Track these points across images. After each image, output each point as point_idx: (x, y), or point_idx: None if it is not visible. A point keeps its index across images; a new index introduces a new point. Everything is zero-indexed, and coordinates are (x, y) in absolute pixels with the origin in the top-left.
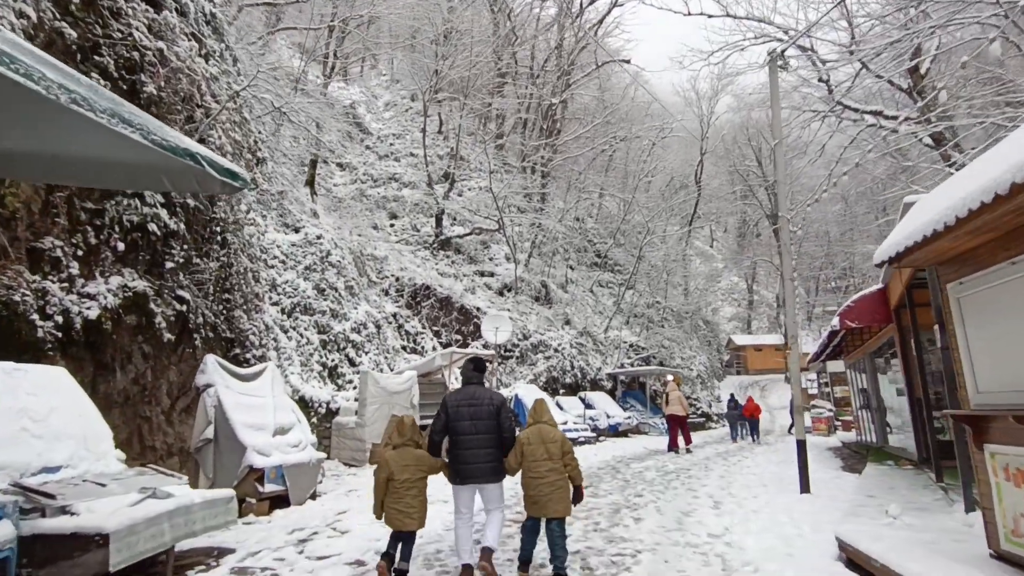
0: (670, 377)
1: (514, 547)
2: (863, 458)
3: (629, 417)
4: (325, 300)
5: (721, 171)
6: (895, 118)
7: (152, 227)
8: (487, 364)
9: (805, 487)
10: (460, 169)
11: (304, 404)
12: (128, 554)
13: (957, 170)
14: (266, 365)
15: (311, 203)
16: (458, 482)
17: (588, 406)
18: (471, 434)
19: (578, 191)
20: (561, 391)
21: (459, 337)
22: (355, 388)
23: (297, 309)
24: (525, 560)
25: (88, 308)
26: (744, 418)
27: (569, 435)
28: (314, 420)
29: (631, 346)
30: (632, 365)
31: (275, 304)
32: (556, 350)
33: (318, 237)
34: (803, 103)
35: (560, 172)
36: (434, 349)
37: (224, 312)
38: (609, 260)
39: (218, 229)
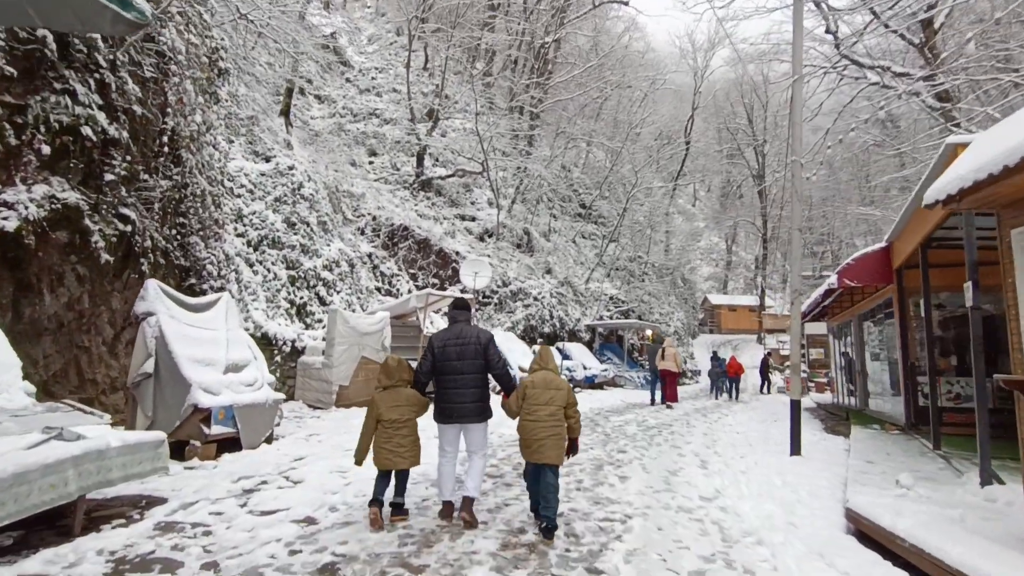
0: (649, 332)
1: (495, 500)
2: (843, 420)
3: (606, 369)
4: (295, 234)
5: (711, 128)
6: (904, 75)
7: (87, 131)
8: (470, 304)
9: (796, 448)
10: (445, 108)
11: (268, 341)
12: (15, 507)
13: (961, 131)
14: (220, 295)
15: (285, 134)
16: (443, 420)
17: (565, 356)
18: (458, 373)
19: (567, 138)
20: (539, 340)
21: (436, 281)
22: (324, 327)
23: (265, 242)
24: (537, 503)
25: (5, 218)
26: (726, 376)
27: None
28: (278, 359)
29: (611, 299)
30: (611, 318)
31: (241, 236)
32: (536, 299)
33: (290, 168)
34: (805, 57)
35: (549, 116)
36: (409, 292)
37: (178, 237)
38: (593, 212)
39: (170, 143)
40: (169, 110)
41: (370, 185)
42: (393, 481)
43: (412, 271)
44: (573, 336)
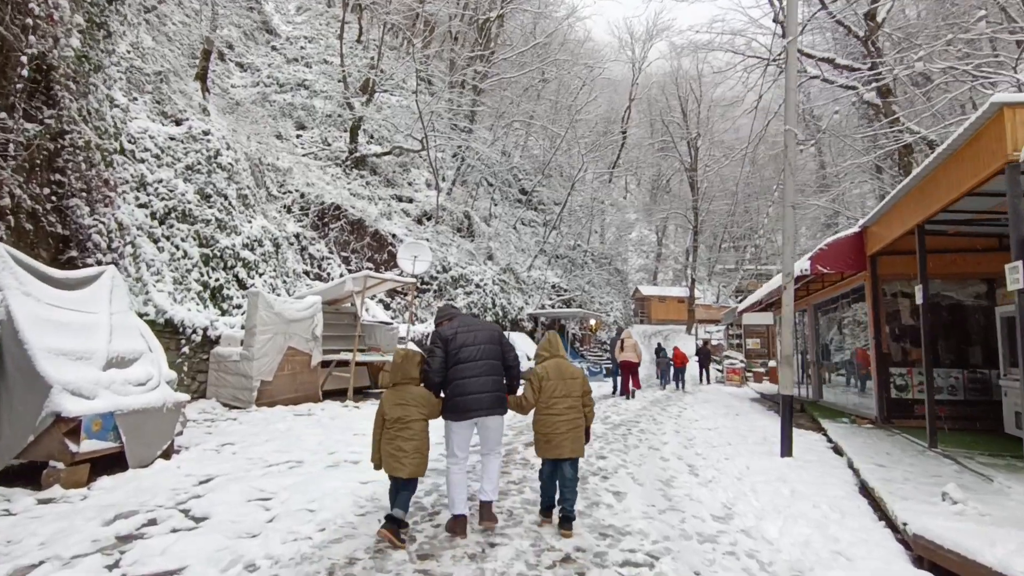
0: (592, 321)
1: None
2: (798, 412)
3: None
4: (211, 208)
5: (645, 121)
6: (847, 67)
7: None
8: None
9: (787, 449)
10: (381, 82)
11: (173, 330)
12: None
13: (898, 129)
14: (102, 270)
15: (201, 99)
16: (457, 417)
17: None
18: (474, 360)
19: (509, 119)
20: (540, 325)
21: (371, 265)
22: (244, 314)
23: (173, 215)
24: (548, 506)
25: None
26: (672, 366)
27: None
28: (186, 350)
29: (553, 287)
30: (554, 307)
31: (143, 206)
32: (478, 285)
33: (205, 133)
34: (747, 48)
35: (490, 99)
36: (341, 276)
37: (52, 199)
38: (534, 198)
39: (39, 75)
40: (35, 29)
41: (298, 160)
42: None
43: (344, 254)
44: (516, 325)
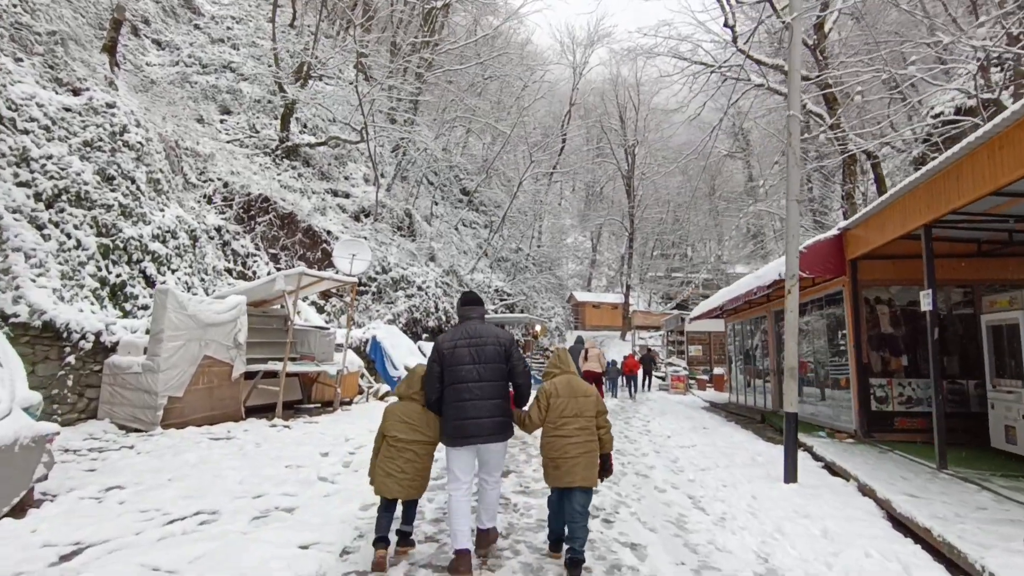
0: (538, 327)
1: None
2: (758, 423)
3: None
4: (114, 192)
5: (583, 127)
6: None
7: None
8: (481, 298)
9: (792, 475)
10: (316, 69)
11: (53, 334)
12: None
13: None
14: None
15: (108, 72)
16: (455, 443)
17: None
18: (474, 381)
19: (454, 111)
20: (424, 335)
21: (303, 264)
22: (151, 316)
23: (64, 197)
24: (556, 539)
25: None
26: (622, 375)
27: None
28: (71, 360)
29: (497, 291)
30: (497, 312)
31: (24, 185)
32: (420, 288)
33: (109, 106)
34: (693, 55)
35: (433, 93)
36: (269, 275)
37: None
38: (475, 199)
39: None
40: None
41: (221, 146)
42: (400, 507)
43: (273, 251)
44: None
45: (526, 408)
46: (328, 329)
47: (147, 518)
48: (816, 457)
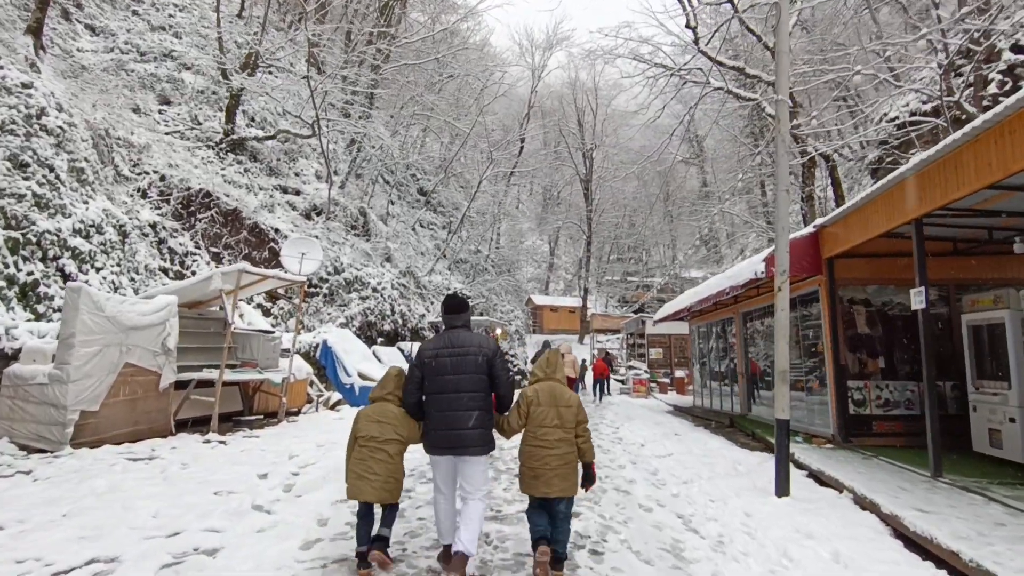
0: (499, 330)
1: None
2: (726, 427)
3: None
4: (27, 180)
5: (542, 131)
6: (756, 78)
7: None
8: (467, 301)
9: (784, 488)
10: (265, 60)
11: None
12: None
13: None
14: None
15: (31, 55)
16: (435, 452)
17: (410, 360)
18: (453, 392)
19: (410, 112)
20: (379, 339)
21: (248, 263)
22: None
23: None
24: (541, 537)
25: None
26: (591, 378)
27: None
28: None
29: (456, 293)
30: None
31: None
32: (375, 290)
33: (25, 86)
34: (655, 57)
35: (389, 90)
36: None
37: None
38: (433, 199)
39: None
40: None
41: (159, 138)
42: (378, 510)
43: (215, 249)
44: (416, 335)
45: (506, 413)
46: (274, 333)
47: (20, 573)
48: (798, 464)
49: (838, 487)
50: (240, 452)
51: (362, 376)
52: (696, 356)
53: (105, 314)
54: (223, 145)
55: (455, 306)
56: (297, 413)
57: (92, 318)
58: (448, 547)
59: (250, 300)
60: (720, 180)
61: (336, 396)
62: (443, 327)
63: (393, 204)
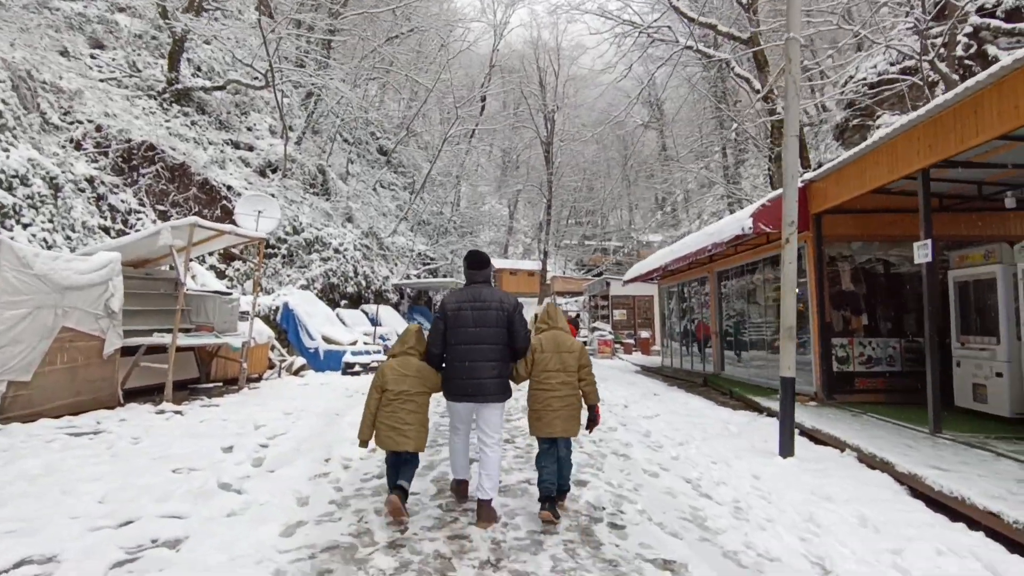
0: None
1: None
2: (700, 386)
3: None
4: None
5: (502, 92)
6: (729, 35)
7: None
8: (488, 257)
9: (789, 448)
10: (211, 1)
11: None
12: None
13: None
14: None
15: None
16: (455, 398)
17: (375, 323)
18: (474, 343)
19: (371, 64)
20: (342, 302)
21: None
22: None
23: None
24: (547, 496)
25: None
26: None
27: (362, 360)
28: None
29: (419, 255)
30: (419, 276)
31: None
32: (337, 251)
33: None
34: (623, 13)
35: (348, 40)
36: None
37: None
38: (393, 159)
39: None
40: None
41: (93, 84)
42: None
43: (162, 207)
44: (380, 297)
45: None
46: (231, 295)
47: None
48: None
49: (838, 445)
50: (199, 423)
51: (327, 340)
52: (666, 316)
53: (34, 272)
54: (167, 95)
55: (478, 261)
56: (258, 379)
57: (17, 276)
58: (461, 481)
59: (202, 260)
60: (679, 144)
61: (300, 361)
62: (466, 281)
63: (352, 163)
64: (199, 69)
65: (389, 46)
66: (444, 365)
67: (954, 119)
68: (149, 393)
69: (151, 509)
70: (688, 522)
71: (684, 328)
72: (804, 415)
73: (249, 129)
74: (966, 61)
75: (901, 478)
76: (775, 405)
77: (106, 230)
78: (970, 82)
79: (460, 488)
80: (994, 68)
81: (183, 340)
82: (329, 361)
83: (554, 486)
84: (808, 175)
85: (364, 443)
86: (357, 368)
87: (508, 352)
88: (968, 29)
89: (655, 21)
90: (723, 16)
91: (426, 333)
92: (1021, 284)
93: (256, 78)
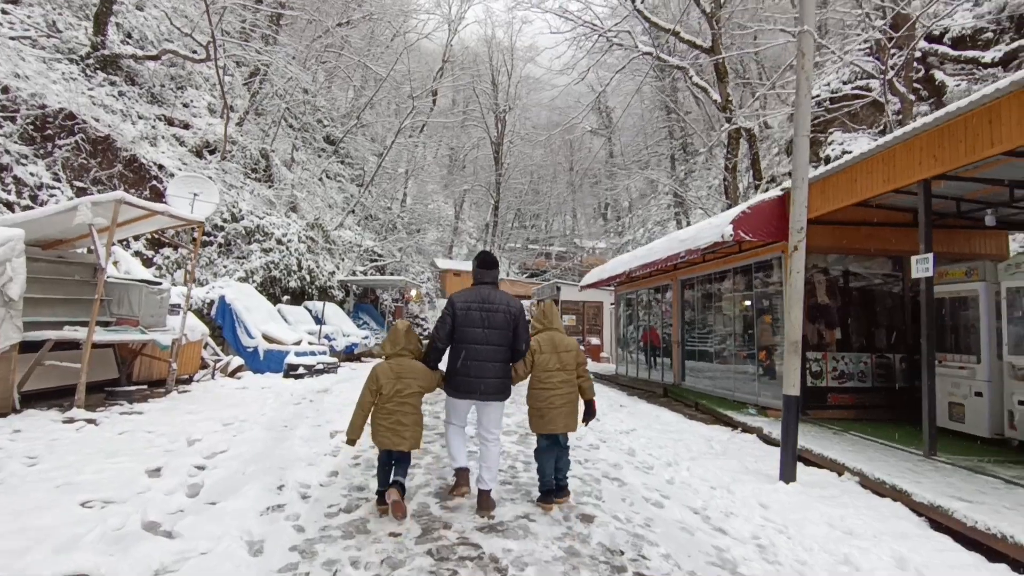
0: (414, 292)
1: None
2: (660, 396)
3: (367, 337)
4: None
5: (451, 90)
6: (690, 43)
7: None
8: (497, 259)
9: (791, 473)
10: None
11: None
12: None
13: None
14: None
15: None
16: (458, 396)
17: (320, 321)
18: (481, 344)
19: (322, 47)
20: (284, 298)
21: None
22: None
23: None
24: (548, 490)
25: None
26: None
27: (306, 361)
28: None
29: (367, 251)
30: (367, 273)
31: None
32: (280, 242)
33: None
34: (582, 12)
35: (301, 12)
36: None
37: None
38: (341, 150)
39: None
40: None
41: (2, 42)
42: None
43: (81, 184)
44: (325, 294)
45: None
46: (161, 284)
47: None
48: (767, 440)
49: (835, 468)
50: (118, 435)
51: (267, 338)
52: (623, 324)
53: None
54: (90, 61)
55: (488, 263)
56: (189, 381)
57: None
58: (461, 469)
59: (127, 246)
60: (627, 152)
61: (237, 361)
62: (474, 281)
63: (298, 150)
64: (130, 36)
65: (341, 30)
66: (448, 362)
67: (965, 129)
68: (56, 396)
69: (47, 566)
70: (719, 568)
71: (642, 336)
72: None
73: (186, 106)
74: (915, 84)
75: (919, 508)
76: (749, 420)
77: (9, 205)
78: (988, 89)
79: (460, 477)
80: (1017, 75)
81: (101, 335)
82: (270, 362)
83: (553, 481)
84: (789, 184)
85: (352, 442)
86: (301, 370)
87: (510, 354)
88: (917, 54)
89: (616, 25)
90: (686, 25)
91: (376, 335)
92: (1004, 303)
93: (195, 51)
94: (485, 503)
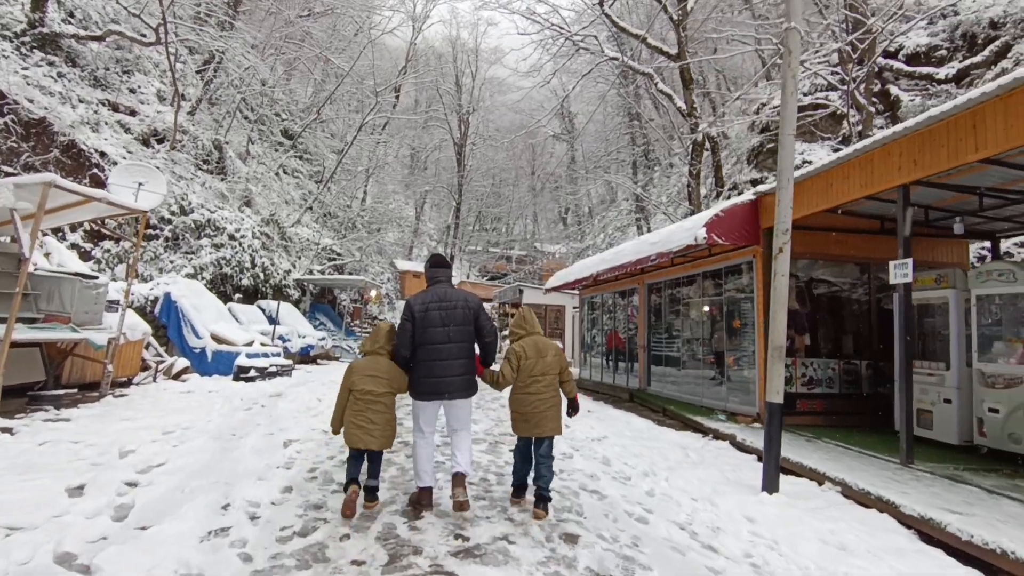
0: (374, 292)
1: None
2: (630, 402)
3: (323, 338)
4: None
5: (415, 89)
6: (657, 49)
7: None
8: (447, 259)
9: (774, 483)
10: None
11: None
12: None
13: (694, 124)
14: None
15: None
16: (424, 397)
17: (274, 321)
18: (443, 342)
19: (282, 37)
20: (236, 296)
21: None
22: None
23: None
24: (520, 486)
25: None
26: None
27: (259, 363)
28: None
29: (325, 249)
30: (324, 272)
31: None
32: (232, 237)
33: None
34: (549, 15)
35: (256, 12)
36: None
37: None
38: (299, 145)
39: None
40: None
41: None
42: (365, 463)
43: (11, 169)
44: (280, 293)
45: (496, 368)
46: (97, 279)
47: None
48: (743, 448)
49: (815, 478)
50: (38, 447)
51: (216, 338)
52: (587, 328)
53: None
54: (26, 38)
55: (440, 263)
56: (128, 384)
57: None
58: (424, 489)
59: (62, 237)
60: (588, 158)
61: (182, 362)
62: (428, 282)
63: (253, 143)
64: (72, 15)
65: (302, 22)
66: (412, 365)
67: (948, 134)
68: None
69: None
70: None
71: (606, 339)
72: (755, 438)
73: (132, 91)
74: (872, 98)
75: (908, 521)
76: (721, 427)
77: None
78: (973, 93)
79: (423, 496)
80: (1005, 79)
81: (24, 332)
82: (219, 364)
83: (526, 479)
84: (762, 188)
85: (336, 431)
86: (253, 373)
87: (474, 349)
88: (876, 68)
89: (583, 29)
90: (653, 32)
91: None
92: (974, 311)
93: (144, 34)
94: (459, 482)
